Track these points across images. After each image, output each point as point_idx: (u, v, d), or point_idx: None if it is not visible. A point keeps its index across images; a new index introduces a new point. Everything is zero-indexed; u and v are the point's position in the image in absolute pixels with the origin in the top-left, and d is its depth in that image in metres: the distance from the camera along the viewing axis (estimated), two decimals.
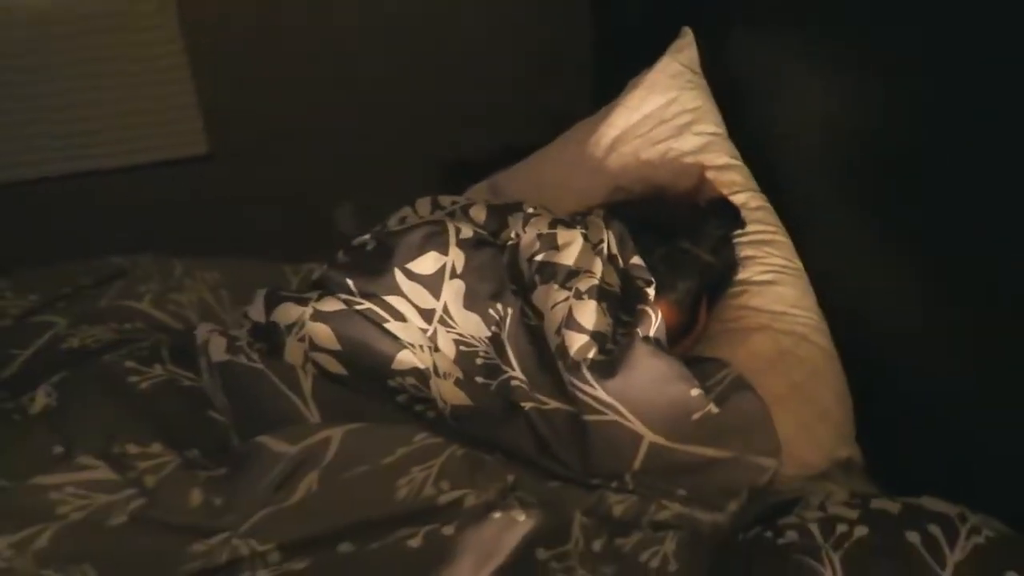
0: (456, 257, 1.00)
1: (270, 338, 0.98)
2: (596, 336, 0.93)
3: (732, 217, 1.11)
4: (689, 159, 1.20)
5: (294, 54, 1.80)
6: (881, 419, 1.03)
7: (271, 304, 0.99)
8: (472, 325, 0.99)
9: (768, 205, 1.17)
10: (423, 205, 1.18)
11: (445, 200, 1.18)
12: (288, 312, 0.97)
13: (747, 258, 1.11)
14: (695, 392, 0.90)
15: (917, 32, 0.88)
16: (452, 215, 1.15)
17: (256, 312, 1.00)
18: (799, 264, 1.12)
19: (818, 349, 1.03)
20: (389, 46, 1.84)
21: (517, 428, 0.94)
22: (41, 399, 0.92)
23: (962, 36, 0.82)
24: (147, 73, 1.75)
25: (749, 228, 1.13)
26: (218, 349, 0.94)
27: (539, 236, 1.04)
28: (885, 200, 0.99)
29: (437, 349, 0.99)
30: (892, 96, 0.94)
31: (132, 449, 0.86)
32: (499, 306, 0.98)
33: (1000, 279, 0.83)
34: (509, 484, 0.84)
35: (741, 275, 1.10)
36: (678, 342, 1.06)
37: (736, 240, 1.12)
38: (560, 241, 1.03)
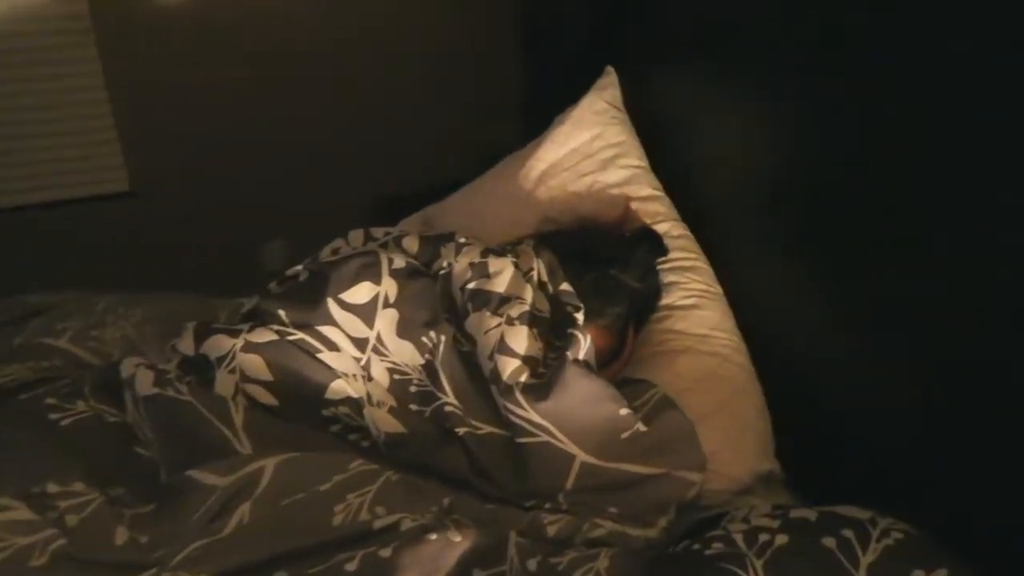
0: (389, 287, 1.02)
1: (200, 371, 0.97)
2: (528, 360, 0.96)
3: (656, 245, 1.16)
4: (614, 191, 1.25)
5: (220, 88, 1.80)
6: (799, 434, 1.08)
7: (201, 336, 0.99)
8: (406, 353, 1.00)
9: (689, 234, 1.23)
10: (356, 237, 1.19)
11: (378, 232, 1.19)
12: (219, 343, 0.97)
13: (671, 284, 1.16)
14: (624, 412, 0.93)
15: (826, 68, 0.96)
16: (385, 246, 1.17)
17: (185, 345, 0.99)
18: (719, 289, 1.18)
19: (739, 368, 1.09)
20: (321, 83, 1.86)
21: (452, 453, 0.96)
22: None
23: (873, 69, 0.89)
24: (67, 108, 1.74)
25: (672, 255, 1.18)
26: (145, 383, 0.93)
27: (471, 265, 1.06)
28: (793, 228, 1.06)
29: (371, 378, 1.00)
30: (801, 129, 1.02)
31: (53, 488, 0.84)
32: (432, 334, 1.00)
33: (895, 296, 0.90)
34: (445, 507, 0.85)
35: (665, 300, 1.15)
36: (608, 366, 1.10)
37: (660, 267, 1.17)
38: (491, 269, 1.06)
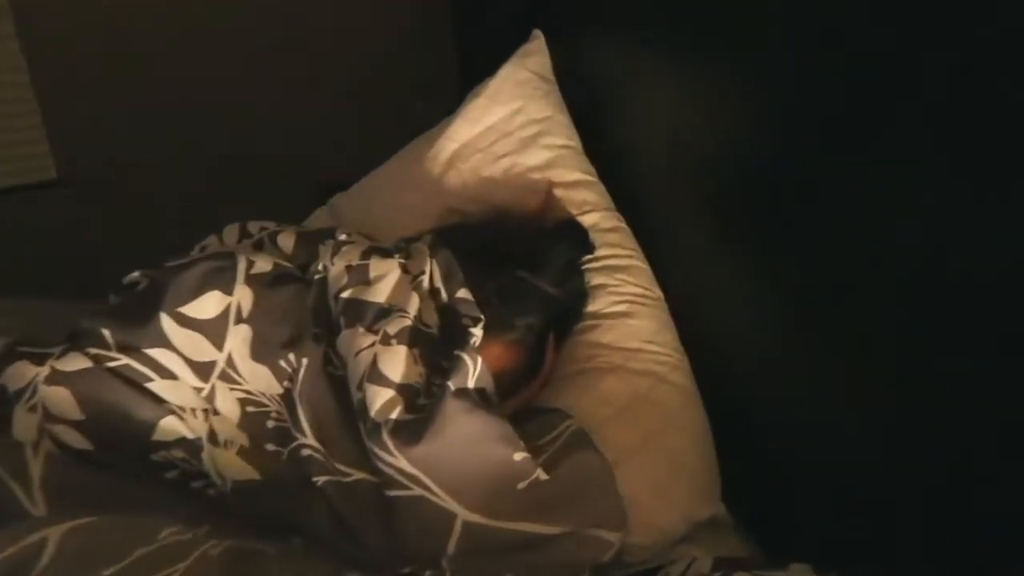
0: (243, 297, 0.83)
1: (3, 406, 0.77)
2: (404, 390, 0.77)
3: (580, 241, 0.97)
4: (535, 175, 1.05)
5: (146, 71, 1.67)
6: (751, 464, 0.89)
7: (5, 362, 0.79)
8: (262, 380, 0.81)
9: (624, 226, 1.04)
10: (230, 233, 1.00)
11: (253, 226, 1.00)
12: (20, 373, 0.77)
13: (598, 287, 0.97)
14: (519, 456, 0.74)
15: (777, 40, 0.76)
16: (259, 244, 0.98)
17: None
18: (658, 292, 0.99)
19: (675, 390, 0.90)
20: (251, 71, 1.73)
21: (311, 506, 0.77)
22: None
23: (822, 41, 0.70)
24: None
25: (601, 253, 0.99)
26: None
27: (348, 268, 0.87)
28: (748, 218, 0.86)
29: (216, 412, 0.80)
30: (759, 104, 0.82)
31: None
32: (292, 356, 0.81)
33: (871, 301, 0.71)
34: None
35: (592, 307, 0.96)
36: (520, 390, 0.91)
37: (587, 267, 0.98)
38: (372, 274, 0.86)
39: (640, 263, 1.00)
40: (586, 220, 1.01)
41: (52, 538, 0.66)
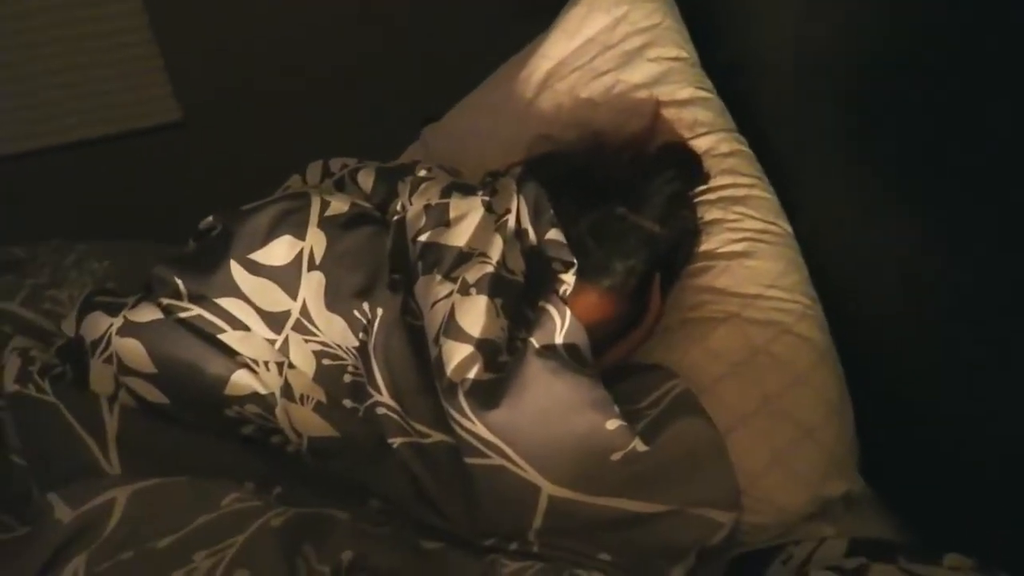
0: (316, 241, 0.77)
1: (78, 359, 0.76)
2: (484, 345, 0.68)
3: (689, 169, 0.84)
4: (641, 93, 0.91)
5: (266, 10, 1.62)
6: (900, 433, 0.75)
7: (83, 312, 0.77)
8: (337, 331, 0.75)
9: (746, 150, 0.89)
10: (313, 171, 0.95)
11: (336, 164, 0.94)
12: (96, 324, 0.76)
13: (713, 223, 0.84)
14: (612, 424, 0.65)
15: None
16: (340, 183, 0.91)
17: (68, 324, 0.79)
18: (786, 227, 0.85)
19: (802, 343, 0.76)
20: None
21: (389, 469, 0.72)
22: None
23: None
24: (111, 37, 1.59)
25: (716, 182, 0.85)
26: (10, 376, 0.73)
27: (427, 208, 0.79)
28: (897, 135, 0.70)
29: (291, 365, 0.75)
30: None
31: None
32: (366, 306, 0.74)
33: None
34: (344, 564, 0.60)
35: (705, 245, 0.83)
36: (623, 340, 0.80)
37: (699, 199, 0.85)
38: (452, 214, 0.78)
39: (764, 193, 0.86)
40: (700, 144, 0.87)
41: (120, 500, 0.65)
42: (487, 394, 0.65)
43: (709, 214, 0.84)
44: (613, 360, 0.79)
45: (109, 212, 1.76)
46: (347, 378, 0.75)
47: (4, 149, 1.74)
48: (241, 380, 0.73)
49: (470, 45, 1.72)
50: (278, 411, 0.74)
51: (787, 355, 0.75)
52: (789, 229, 0.85)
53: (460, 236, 0.76)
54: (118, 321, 0.74)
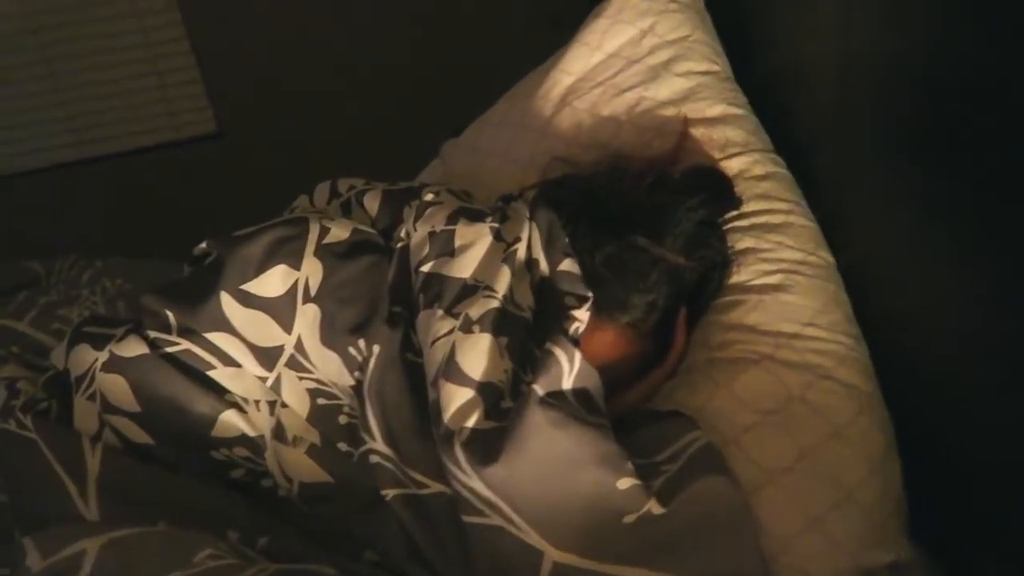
0: (312, 271, 0.72)
1: (65, 394, 0.72)
2: (485, 390, 0.62)
3: (719, 193, 0.77)
4: (668, 111, 0.85)
5: (303, 24, 1.69)
6: (957, 491, 0.67)
7: (72, 342, 0.74)
8: (332, 369, 0.70)
9: (783, 171, 0.82)
10: (321, 192, 0.90)
11: (343, 185, 0.90)
12: (82, 358, 0.72)
13: (745, 252, 0.76)
14: (624, 483, 0.58)
15: None
16: (347, 205, 0.87)
17: (58, 354, 0.76)
18: (827, 257, 0.77)
19: (847, 391, 0.68)
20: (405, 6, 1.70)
21: (382, 521, 0.66)
22: None
23: None
24: (147, 48, 1.70)
25: (749, 207, 0.78)
26: None
27: (431, 235, 0.73)
28: (955, 159, 0.62)
29: (284, 404, 0.70)
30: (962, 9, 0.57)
31: None
32: (362, 342, 0.69)
33: None
34: None
35: (735, 278, 0.76)
36: (643, 380, 0.74)
37: (730, 227, 0.78)
38: (458, 242, 0.72)
39: (802, 220, 0.78)
40: (731, 165, 0.80)
41: (90, 551, 0.60)
42: (486, 446, 0.59)
43: (741, 243, 0.77)
44: (630, 403, 0.72)
45: (143, 224, 1.78)
46: (343, 419, 0.70)
47: (39, 162, 1.78)
48: (229, 420, 0.69)
49: (499, 56, 1.70)
50: (268, 454, 0.69)
51: (826, 403, 0.67)
52: (831, 260, 0.77)
53: (465, 267, 0.70)
54: (103, 355, 0.70)
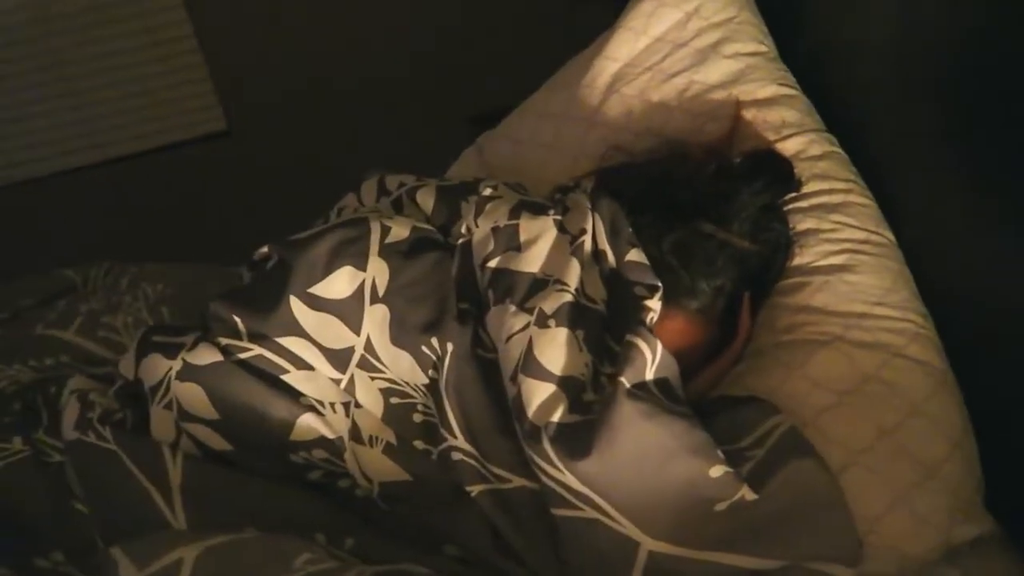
0: (378, 271, 0.72)
1: (139, 403, 0.73)
2: (567, 384, 0.63)
3: (780, 177, 0.77)
4: (718, 94, 0.84)
5: (312, 22, 1.70)
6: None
7: (141, 353, 0.74)
8: (404, 367, 0.71)
9: (839, 151, 0.82)
10: (368, 189, 0.90)
11: (392, 182, 0.90)
12: (154, 367, 0.72)
13: (807, 233, 0.77)
14: (717, 471, 0.58)
15: None
16: (398, 203, 0.86)
17: (126, 365, 0.76)
18: (890, 236, 0.77)
19: (920, 369, 0.69)
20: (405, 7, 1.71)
21: (467, 517, 0.67)
22: None
23: None
24: (156, 49, 1.71)
25: (808, 188, 0.78)
26: (69, 422, 0.70)
27: (495, 230, 0.74)
28: (1013, 134, 0.62)
29: (358, 405, 0.71)
30: None
31: None
32: (435, 341, 0.69)
33: None
34: None
35: (798, 260, 0.76)
36: (709, 367, 0.74)
37: (789, 208, 0.78)
38: (523, 237, 0.72)
39: (862, 199, 0.78)
40: (787, 147, 0.80)
41: (187, 560, 0.60)
42: (575, 440, 0.59)
43: (802, 224, 0.77)
44: (699, 389, 0.73)
45: (155, 225, 1.79)
46: (417, 417, 0.71)
47: (53, 166, 1.77)
48: (307, 424, 0.69)
49: (522, 46, 1.70)
50: (347, 455, 0.69)
51: (902, 382, 0.67)
52: (892, 239, 0.77)
53: (533, 261, 0.70)
54: (177, 364, 0.71)
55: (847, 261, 0.74)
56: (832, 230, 0.76)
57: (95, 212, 1.80)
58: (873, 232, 0.76)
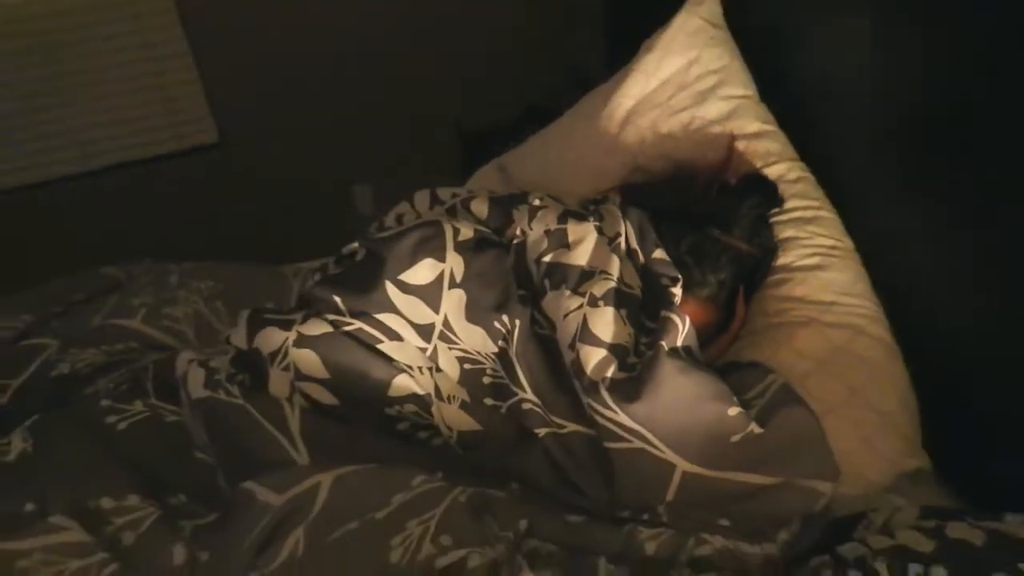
0: (455, 263, 0.89)
1: (254, 367, 0.87)
2: (615, 349, 0.81)
3: (768, 194, 0.97)
4: (716, 128, 1.05)
5: (299, 30, 1.75)
6: (951, 417, 0.89)
7: (254, 328, 0.89)
8: (476, 340, 0.87)
9: (810, 176, 1.03)
10: (421, 199, 1.06)
11: (445, 193, 1.06)
12: (271, 338, 0.87)
13: (788, 240, 0.97)
14: (733, 411, 0.77)
15: None
16: (452, 211, 1.03)
17: (238, 337, 0.90)
18: (849, 243, 0.98)
19: (877, 343, 0.89)
20: (401, 18, 1.78)
21: (532, 457, 0.84)
22: (18, 444, 0.84)
23: None
24: (149, 63, 1.72)
25: (789, 205, 0.99)
26: (197, 384, 0.84)
27: (547, 233, 0.91)
28: (949, 160, 0.84)
29: (439, 369, 0.88)
30: (953, 37, 0.79)
31: (107, 503, 0.77)
32: (505, 318, 0.86)
33: None
34: (522, 531, 0.73)
35: (782, 260, 0.96)
36: (713, 342, 0.93)
37: (774, 220, 0.98)
38: (571, 237, 0.90)
39: (829, 213, 0.99)
40: (771, 172, 1.01)
41: (324, 483, 0.75)
42: (628, 389, 0.77)
43: (784, 233, 0.97)
44: (709, 359, 0.92)
45: (148, 233, 1.85)
46: (486, 380, 0.88)
47: (44, 175, 1.76)
48: (401, 382, 0.85)
49: (509, 59, 1.83)
50: (433, 409, 0.86)
51: (864, 353, 0.88)
52: (851, 244, 0.98)
53: (581, 256, 0.88)
54: (292, 335, 0.86)
55: (820, 262, 0.95)
56: (807, 237, 0.97)
57: (87, 222, 1.82)
58: (838, 240, 0.97)
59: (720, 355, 0.94)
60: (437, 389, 0.86)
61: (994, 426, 0.84)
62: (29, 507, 0.77)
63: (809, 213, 0.98)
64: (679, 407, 0.77)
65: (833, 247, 0.96)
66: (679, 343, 0.81)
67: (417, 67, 1.86)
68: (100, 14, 1.67)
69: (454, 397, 0.87)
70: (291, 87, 1.82)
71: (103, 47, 1.71)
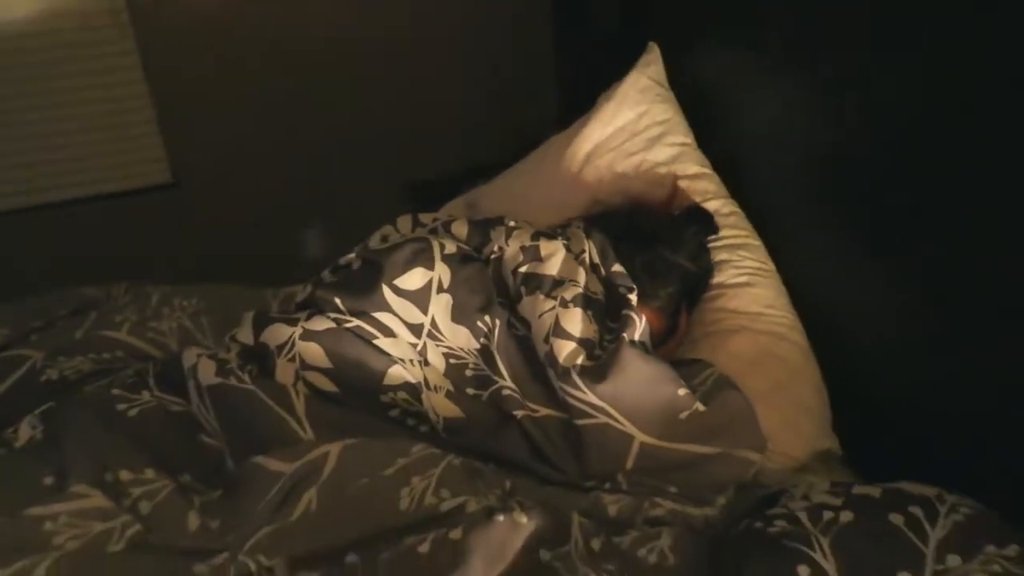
0: (442, 272, 1.02)
1: (260, 359, 0.98)
2: (584, 343, 0.96)
3: (707, 223, 1.15)
4: (662, 169, 1.24)
5: (256, 76, 1.79)
6: (854, 411, 1.07)
7: (260, 326, 1.00)
8: (461, 338, 1.01)
9: (739, 211, 1.22)
10: (404, 222, 1.19)
11: (426, 217, 1.19)
12: (278, 332, 0.98)
13: (722, 262, 1.15)
14: (683, 392, 0.93)
15: (879, 40, 0.93)
16: (434, 232, 1.17)
17: (244, 335, 1.00)
18: (772, 266, 1.17)
19: (795, 347, 1.07)
20: (354, 69, 1.85)
21: (510, 437, 0.96)
22: (25, 431, 0.92)
23: (926, 43, 0.87)
24: (106, 102, 1.73)
25: (723, 233, 1.17)
26: (208, 372, 0.94)
27: (522, 248, 1.06)
28: (844, 203, 1.04)
29: (427, 363, 1.00)
30: (850, 102, 1.00)
31: (125, 476, 0.85)
32: (487, 318, 1.00)
33: (949, 271, 0.88)
34: (507, 489, 0.86)
35: (717, 278, 1.14)
36: (662, 347, 1.09)
37: (711, 245, 1.16)
38: (543, 252, 1.06)
39: (755, 241, 1.18)
40: (708, 206, 1.19)
41: (333, 452, 0.86)
42: (595, 373, 0.92)
43: (719, 256, 1.16)
44: None
45: (94, 272, 1.86)
46: (469, 372, 1.01)
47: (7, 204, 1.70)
48: (395, 372, 0.97)
49: (473, 117, 1.93)
50: (423, 396, 0.98)
51: (786, 355, 1.06)
52: (773, 268, 1.17)
53: (552, 267, 1.04)
54: (298, 330, 0.97)
55: (748, 280, 1.13)
56: (739, 260, 1.15)
57: (30, 257, 1.77)
58: (763, 263, 1.16)
59: (668, 358, 1.10)
60: (425, 379, 0.99)
61: (890, 416, 1.02)
62: (48, 480, 0.84)
63: (739, 240, 1.17)
64: (639, 387, 0.92)
65: (759, 268, 1.15)
66: (637, 337, 0.97)
67: (371, 124, 1.90)
68: (62, 51, 1.67)
69: (440, 387, 1.00)
70: (249, 131, 1.84)
71: (58, 85, 1.69)
